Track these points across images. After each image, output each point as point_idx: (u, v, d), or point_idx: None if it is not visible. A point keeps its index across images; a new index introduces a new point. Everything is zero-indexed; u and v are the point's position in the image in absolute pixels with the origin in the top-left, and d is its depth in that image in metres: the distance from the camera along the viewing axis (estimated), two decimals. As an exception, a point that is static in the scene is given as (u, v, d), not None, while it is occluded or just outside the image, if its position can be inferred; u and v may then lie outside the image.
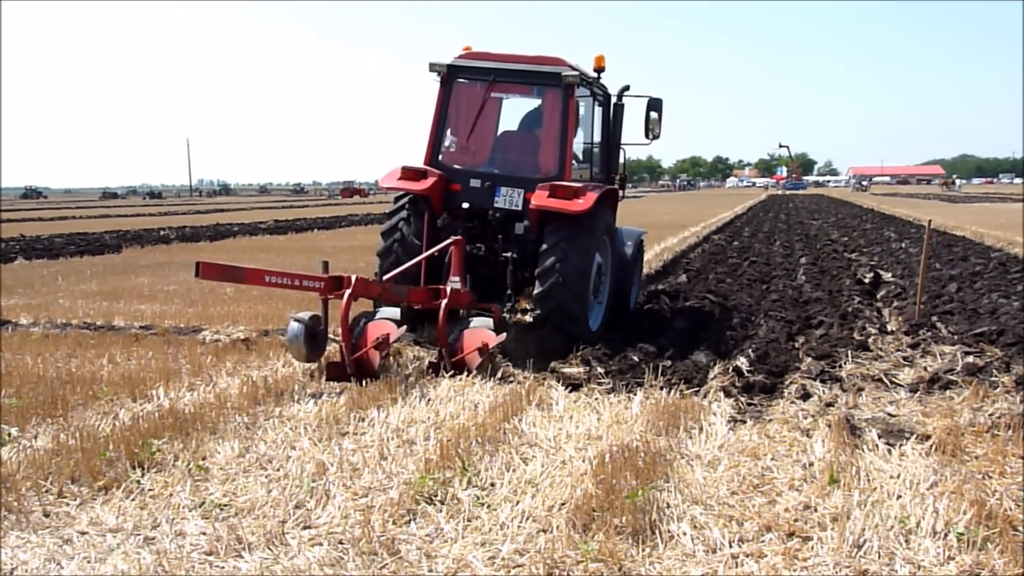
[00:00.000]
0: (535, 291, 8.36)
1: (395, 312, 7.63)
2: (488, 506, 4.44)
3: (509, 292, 8.72)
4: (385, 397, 6.46)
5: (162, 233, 27.23)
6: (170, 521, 4.24)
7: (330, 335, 7.51)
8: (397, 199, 9.08)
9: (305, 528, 4.20)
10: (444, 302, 7.53)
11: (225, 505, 4.45)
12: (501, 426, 5.71)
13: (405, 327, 7.35)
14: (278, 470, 4.95)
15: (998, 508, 4.34)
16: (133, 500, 4.52)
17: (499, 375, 7.13)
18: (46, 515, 4.33)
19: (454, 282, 7.94)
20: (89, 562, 3.83)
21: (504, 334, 7.44)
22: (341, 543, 4.01)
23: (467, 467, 4.90)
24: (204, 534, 4.09)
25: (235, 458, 5.13)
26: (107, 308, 10.97)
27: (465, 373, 7.17)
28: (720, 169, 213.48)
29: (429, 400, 6.46)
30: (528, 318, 9.00)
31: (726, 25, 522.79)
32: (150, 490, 4.65)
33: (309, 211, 49.08)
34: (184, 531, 4.14)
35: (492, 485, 4.74)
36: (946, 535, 4.05)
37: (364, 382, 6.84)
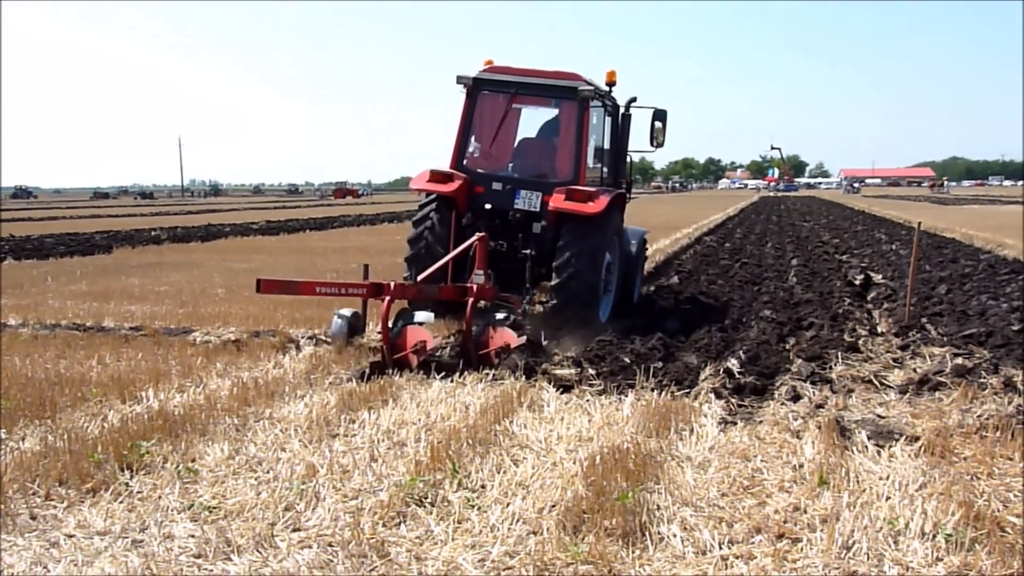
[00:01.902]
0: (553, 282, 9.14)
1: (430, 317, 8.04)
2: (478, 508, 4.43)
3: (528, 285, 9.51)
4: (376, 399, 6.45)
5: (153, 234, 27.10)
6: (158, 523, 4.22)
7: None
8: (425, 199, 9.83)
9: (295, 530, 4.18)
10: (471, 300, 8.02)
11: (214, 507, 4.44)
12: (492, 428, 5.70)
13: (440, 338, 7.75)
14: (268, 472, 4.93)
15: (986, 509, 4.36)
16: (121, 502, 4.49)
17: (490, 377, 7.13)
18: (33, 518, 4.31)
19: (478, 275, 8.54)
20: (76, 565, 3.81)
21: (525, 337, 7.83)
22: (331, 545, 3.99)
23: (457, 469, 4.89)
24: (193, 536, 4.07)
25: (224, 460, 5.11)
26: (97, 309, 10.91)
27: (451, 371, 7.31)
28: (712, 171, 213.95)
29: (420, 402, 6.44)
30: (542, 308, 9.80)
31: (718, 28, 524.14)
32: (138, 492, 4.62)
33: (301, 212, 49.02)
34: (173, 534, 4.12)
35: (483, 487, 4.73)
36: (934, 536, 4.07)
37: (356, 383, 6.93)
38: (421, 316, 8.01)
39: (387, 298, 7.52)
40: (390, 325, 7.65)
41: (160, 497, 4.55)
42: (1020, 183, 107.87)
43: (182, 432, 5.55)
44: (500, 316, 8.31)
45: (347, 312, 8.09)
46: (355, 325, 8.15)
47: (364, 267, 8.29)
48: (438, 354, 7.53)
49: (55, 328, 9.40)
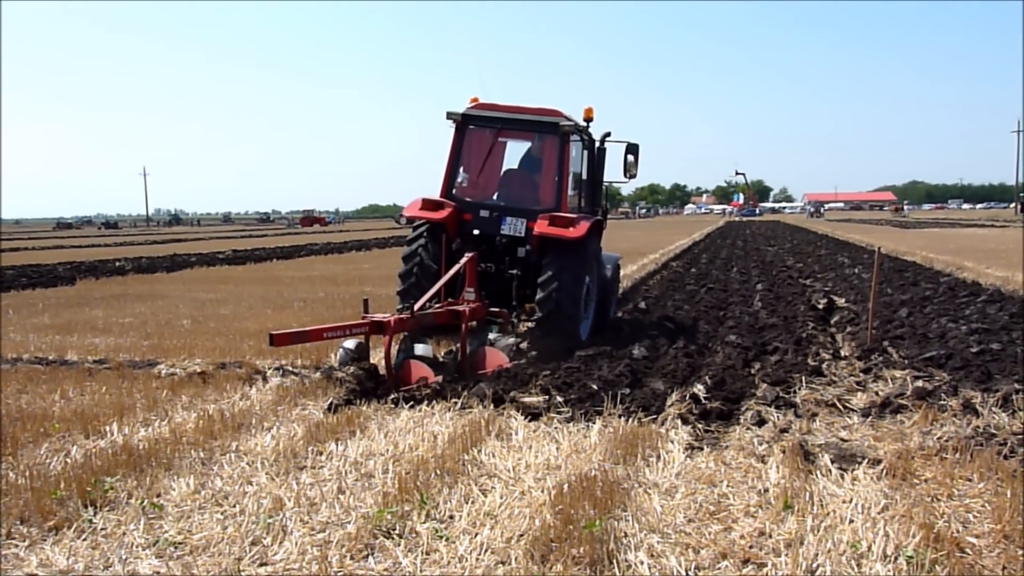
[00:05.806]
0: (538, 296, 9.80)
1: (428, 350, 8.57)
2: (447, 539, 4.43)
3: (514, 304, 10.22)
4: (344, 430, 6.43)
5: (118, 264, 26.76)
6: (123, 561, 4.17)
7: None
8: (416, 226, 10.48)
9: (261, 565, 4.15)
10: (464, 324, 8.64)
11: (179, 543, 4.39)
12: (460, 457, 5.71)
13: (441, 377, 7.98)
14: (234, 506, 4.89)
15: (946, 531, 4.44)
16: (84, 540, 4.43)
17: (459, 405, 7.15)
18: (-6, 557, 4.24)
19: (469, 292, 9.26)
20: (38, 605, 3.75)
21: (513, 363, 8.42)
22: (298, 580, 3.97)
23: (426, 500, 4.89)
24: (158, 573, 4.03)
25: (190, 495, 5.06)
26: (60, 342, 10.77)
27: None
28: (678, 196, 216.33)
29: (388, 432, 6.43)
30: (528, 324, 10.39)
31: (682, 53, 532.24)
32: (102, 529, 4.57)
33: (268, 240, 48.75)
34: (137, 571, 4.07)
35: (451, 518, 4.73)
36: (896, 558, 4.13)
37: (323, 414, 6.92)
38: (420, 349, 8.48)
39: (388, 337, 7.94)
40: (398, 359, 8.15)
41: (124, 534, 4.49)
42: (1014, 205, 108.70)
43: (147, 467, 5.49)
44: (492, 336, 9.02)
45: (351, 344, 8.44)
46: (359, 356, 8.45)
47: (364, 301, 8.66)
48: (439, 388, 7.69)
49: (16, 362, 9.26)
